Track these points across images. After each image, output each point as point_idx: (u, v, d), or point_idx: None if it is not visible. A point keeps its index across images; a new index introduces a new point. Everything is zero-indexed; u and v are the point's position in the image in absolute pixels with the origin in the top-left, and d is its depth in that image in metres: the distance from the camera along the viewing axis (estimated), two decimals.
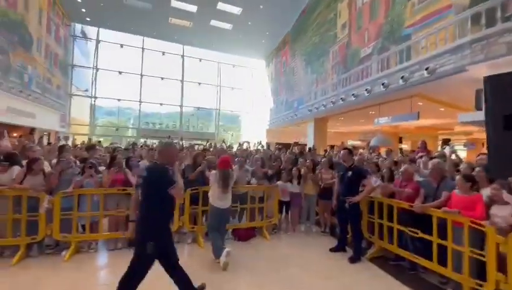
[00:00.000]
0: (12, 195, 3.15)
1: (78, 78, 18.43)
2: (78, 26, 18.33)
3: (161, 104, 21.01)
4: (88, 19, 17.28)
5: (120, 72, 19.46)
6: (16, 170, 3.24)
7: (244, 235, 4.09)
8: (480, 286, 2.47)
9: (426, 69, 6.62)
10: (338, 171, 3.75)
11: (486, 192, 2.77)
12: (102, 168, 3.86)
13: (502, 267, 2.35)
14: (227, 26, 17.30)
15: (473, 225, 2.55)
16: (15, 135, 11.98)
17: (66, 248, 3.38)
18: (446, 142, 5.78)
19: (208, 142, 10.27)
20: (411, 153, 6.39)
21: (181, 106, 21.47)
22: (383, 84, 8.34)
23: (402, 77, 7.49)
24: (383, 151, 8.77)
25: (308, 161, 4.90)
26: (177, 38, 19.60)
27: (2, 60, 10.42)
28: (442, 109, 9.81)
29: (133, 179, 3.65)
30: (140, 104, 20.11)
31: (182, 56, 21.36)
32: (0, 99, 10.19)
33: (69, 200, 3.32)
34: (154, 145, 9.79)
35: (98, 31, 18.99)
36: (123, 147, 7.85)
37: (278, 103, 19.38)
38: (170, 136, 11.25)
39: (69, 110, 17.66)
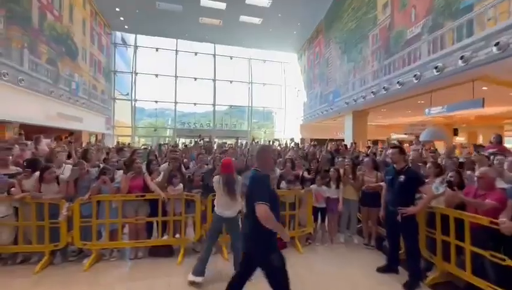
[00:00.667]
0: (35, 202, 3.11)
1: (119, 83, 19.66)
2: (118, 34, 19.48)
3: (195, 104, 21.45)
4: (126, 27, 18.22)
5: (156, 75, 20.27)
6: (36, 176, 3.20)
7: None
8: None
9: (496, 44, 5.38)
10: (386, 175, 3.03)
11: None
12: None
13: None
14: (256, 20, 16.84)
15: None
16: (66, 137, 13.19)
17: (89, 255, 3.27)
18: None
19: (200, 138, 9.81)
20: (477, 147, 5.24)
21: (214, 105, 21.67)
22: (436, 67, 7.13)
23: (461, 58, 6.27)
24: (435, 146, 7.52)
25: (347, 160, 4.20)
26: (208, 37, 19.72)
27: (52, 70, 11.35)
28: None
29: (153, 185, 3.41)
30: (175, 105, 20.74)
31: (214, 55, 21.50)
32: (51, 106, 11.12)
33: (88, 207, 3.19)
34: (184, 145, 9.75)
35: (136, 37, 19.97)
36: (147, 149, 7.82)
37: (312, 97, 18.40)
38: (201, 135, 11.22)
39: (113, 113, 18.92)
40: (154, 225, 3.63)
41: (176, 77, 20.56)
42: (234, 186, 2.96)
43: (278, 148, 8.21)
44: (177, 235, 3.44)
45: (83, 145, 8.36)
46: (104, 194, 3.28)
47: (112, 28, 18.12)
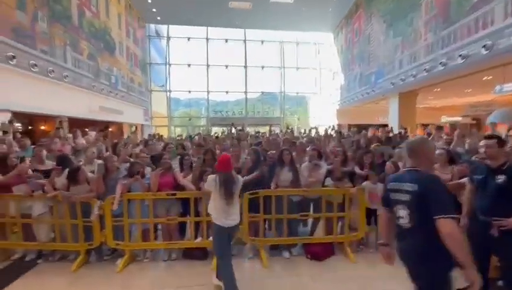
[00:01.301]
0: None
1: (154, 74, 20.19)
2: (152, 27, 19.81)
3: (227, 92, 21.28)
4: (158, 18, 18.37)
5: (189, 65, 20.40)
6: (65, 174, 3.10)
7: (320, 253, 3.14)
8: None
9: None
10: (474, 174, 2.29)
11: None
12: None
13: None
14: (288, 0, 15.73)
15: None
16: (111, 129, 13.94)
17: (123, 255, 3.13)
18: None
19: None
20: None
21: (245, 92, 21.28)
22: None
23: None
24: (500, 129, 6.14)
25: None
26: (238, 23, 19.09)
27: (93, 66, 11.86)
28: None
29: (186, 182, 3.11)
30: (208, 94, 20.79)
31: (244, 41, 20.88)
32: (94, 100, 11.69)
33: (119, 206, 3.01)
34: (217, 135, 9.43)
35: (168, 28, 20.13)
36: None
37: (350, 79, 16.97)
38: (233, 124, 10.92)
39: (150, 104, 19.59)
40: (188, 225, 3.39)
41: (208, 65, 20.47)
42: (232, 187, 2.49)
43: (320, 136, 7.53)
44: (198, 239, 3.14)
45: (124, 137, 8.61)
46: (134, 192, 3.07)
47: (145, 20, 18.43)
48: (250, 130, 15.73)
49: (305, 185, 3.21)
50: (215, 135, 11.03)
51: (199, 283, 2.73)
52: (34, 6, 8.31)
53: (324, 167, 3.36)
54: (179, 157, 3.64)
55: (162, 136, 8.14)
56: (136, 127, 17.54)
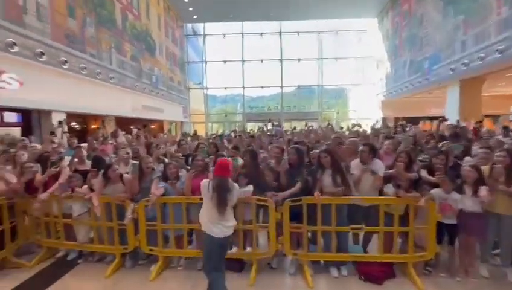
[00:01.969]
0: (103, 202, 2.96)
1: (191, 72, 20.71)
2: (189, 26, 20.27)
3: (262, 87, 20.94)
4: (195, 17, 18.66)
5: (224, 62, 20.48)
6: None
7: (376, 274, 2.62)
8: None
9: None
10: None
11: None
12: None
13: None
14: None
15: None
16: (152, 127, 14.63)
17: (158, 260, 2.99)
18: None
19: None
20: None
21: (281, 86, 20.69)
22: None
23: None
24: None
25: (501, 152, 2.65)
26: (273, 15, 18.50)
27: (135, 66, 12.44)
28: None
29: None
30: (243, 90, 20.69)
31: (280, 33, 20.24)
32: (136, 99, 12.28)
33: (154, 209, 2.85)
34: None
35: (204, 26, 20.39)
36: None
37: (398, 67, 15.35)
38: (271, 119, 10.51)
39: (189, 102, 20.18)
40: None
41: (243, 61, 20.32)
42: (226, 195, 2.20)
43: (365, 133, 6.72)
44: (248, 249, 2.83)
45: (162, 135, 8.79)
46: (167, 196, 2.88)
47: (182, 20, 18.88)
48: (286, 125, 15.20)
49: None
50: (250, 131, 10.76)
51: None
52: (82, 12, 8.86)
53: (379, 167, 2.76)
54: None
55: (196, 134, 8.05)
56: (176, 124, 18.24)
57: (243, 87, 20.66)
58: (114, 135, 5.18)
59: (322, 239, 2.76)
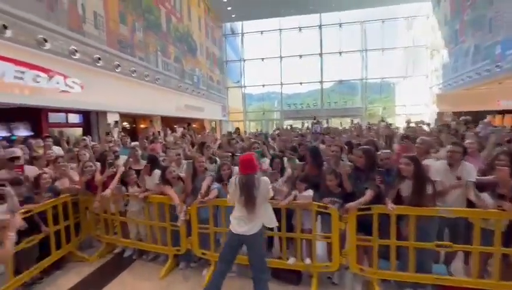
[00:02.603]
0: (157, 202, 2.93)
1: (230, 71, 20.97)
2: (227, 26, 20.51)
3: (301, 83, 20.32)
4: (233, 16, 18.79)
5: (262, 59, 20.33)
6: (157, 175, 3.02)
7: None
8: None
9: None
10: None
11: None
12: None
13: None
14: None
15: None
16: (194, 126, 15.14)
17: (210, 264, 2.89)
18: None
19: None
20: None
21: (321, 82, 19.83)
22: None
23: None
24: None
25: None
26: (312, 8, 17.77)
27: (178, 68, 12.92)
28: None
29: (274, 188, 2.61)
30: (281, 87, 20.31)
31: (319, 26, 19.38)
32: (180, 99, 12.75)
33: (206, 210, 2.74)
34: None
35: (242, 24, 20.44)
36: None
37: (459, 54, 13.56)
38: (315, 117, 9.99)
39: (227, 100, 20.48)
40: (275, 239, 2.92)
41: (281, 57, 19.92)
42: (253, 191, 2.10)
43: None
44: (308, 261, 2.54)
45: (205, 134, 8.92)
46: (220, 198, 2.74)
47: (221, 20, 19.15)
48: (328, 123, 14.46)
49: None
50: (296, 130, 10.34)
51: None
52: (132, 18, 9.39)
53: (472, 174, 2.24)
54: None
55: (238, 132, 7.93)
56: (215, 123, 18.63)
57: (281, 84, 20.28)
58: (164, 133, 5.32)
59: (398, 255, 2.35)
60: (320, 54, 19.53)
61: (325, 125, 12.47)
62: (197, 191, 2.83)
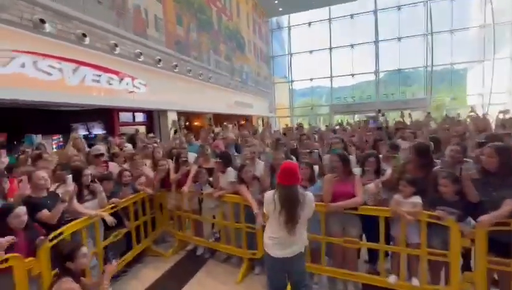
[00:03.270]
0: (232, 201, 2.79)
1: (276, 66, 20.61)
2: (273, 20, 20.14)
3: (353, 75, 18.95)
4: (280, 9, 18.33)
5: (311, 52, 19.50)
6: (231, 173, 2.89)
7: None
8: None
9: None
10: None
11: None
12: None
13: None
14: None
15: None
16: (242, 122, 15.25)
17: None
18: None
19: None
20: None
21: (376, 72, 18.19)
22: None
23: None
24: None
25: None
26: None
27: (228, 65, 13.06)
28: None
29: (359, 190, 2.24)
30: (331, 80, 19.24)
31: (374, 11, 17.72)
32: (230, 96, 12.89)
33: None
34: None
35: (289, 17, 19.83)
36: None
37: None
38: (380, 110, 9.03)
39: (274, 96, 20.21)
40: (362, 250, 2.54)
41: (331, 48, 18.82)
42: (297, 208, 1.75)
43: None
44: (415, 281, 2.10)
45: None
46: None
47: (268, 15, 18.86)
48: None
49: None
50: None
51: None
52: (187, 19, 9.69)
53: None
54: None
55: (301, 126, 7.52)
56: (267, 119, 18.49)
57: (331, 77, 19.20)
58: (224, 129, 5.29)
59: None
60: (376, 42, 17.89)
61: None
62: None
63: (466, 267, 2.19)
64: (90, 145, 3.77)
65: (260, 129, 8.86)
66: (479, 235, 1.86)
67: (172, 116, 8.49)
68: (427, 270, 2.08)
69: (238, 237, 2.88)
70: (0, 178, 2.38)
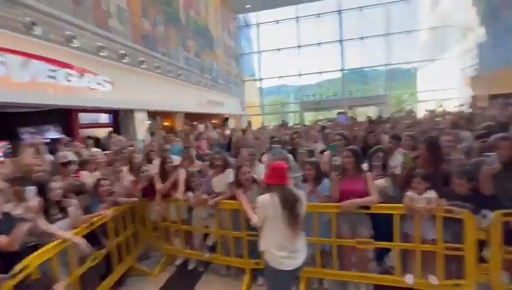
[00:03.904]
0: (229, 208, 2.53)
1: (245, 64, 20.40)
2: (241, 17, 19.84)
3: (320, 72, 19.50)
4: (248, 6, 18.11)
5: (279, 50, 19.62)
6: (229, 174, 2.61)
7: None
8: None
9: None
10: None
11: None
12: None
13: None
14: None
15: None
16: (214, 121, 14.76)
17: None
18: None
19: None
20: None
21: (342, 70, 18.96)
22: None
23: None
24: None
25: None
26: None
27: (198, 62, 12.51)
28: None
29: (372, 188, 2.14)
30: (300, 77, 19.61)
31: (339, 12, 18.42)
32: (202, 94, 12.37)
33: None
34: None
35: (257, 15, 19.71)
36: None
37: (498, 32, 12.47)
38: (352, 107, 9.33)
39: (244, 94, 19.98)
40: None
41: (299, 47, 19.14)
42: (297, 207, 1.71)
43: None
44: (434, 279, 2.05)
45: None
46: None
47: (236, 11, 18.52)
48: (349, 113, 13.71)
49: None
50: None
51: None
52: (153, 12, 8.99)
53: None
54: None
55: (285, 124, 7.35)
56: (235, 118, 18.19)
57: (300, 75, 19.56)
58: (205, 130, 4.93)
59: None
60: (341, 41, 18.62)
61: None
62: None
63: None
64: (50, 152, 3.19)
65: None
66: (494, 226, 1.86)
67: (140, 116, 7.83)
68: (443, 266, 2.05)
69: (237, 246, 2.62)
70: None
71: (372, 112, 11.38)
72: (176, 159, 3.31)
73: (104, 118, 7.48)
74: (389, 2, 17.71)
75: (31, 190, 2.07)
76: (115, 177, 2.84)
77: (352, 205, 2.12)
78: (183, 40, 11.12)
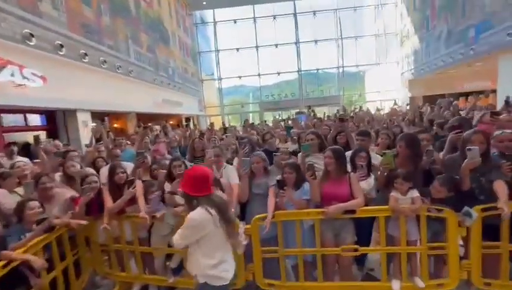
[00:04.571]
0: None
1: (203, 63, 19.70)
2: (197, 15, 19.09)
3: (278, 73, 19.84)
4: (204, 3, 17.50)
5: (237, 49, 19.39)
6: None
7: None
8: None
9: None
10: None
11: None
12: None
13: None
14: None
15: None
16: (171, 122, 13.82)
17: None
18: None
19: None
20: None
21: (299, 71, 19.58)
22: None
23: None
24: None
25: None
26: None
27: (152, 58, 11.54)
28: None
29: (358, 190, 2.02)
30: (259, 77, 19.66)
31: (294, 14, 18.96)
32: (156, 93, 11.44)
33: (273, 227, 2.05)
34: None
35: (214, 12, 19.19)
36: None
37: (430, 40, 14.11)
38: (310, 106, 9.57)
39: (203, 94, 19.26)
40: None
41: (257, 47, 19.18)
42: (231, 216, 1.65)
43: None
44: (419, 282, 1.97)
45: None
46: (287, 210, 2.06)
47: (191, 7, 17.73)
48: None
49: None
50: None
51: None
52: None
53: None
54: None
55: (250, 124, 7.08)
56: (193, 119, 17.38)
57: (259, 75, 19.62)
58: (164, 131, 4.39)
59: None
60: (296, 43, 19.20)
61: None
62: (255, 199, 2.11)
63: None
64: None
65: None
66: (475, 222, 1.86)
67: (83, 117, 6.82)
68: (427, 267, 2.00)
69: None
70: None
71: (327, 112, 12.04)
72: (128, 166, 2.81)
73: (36, 119, 6.31)
74: (339, 9, 18.82)
75: None
76: (47, 194, 2.22)
77: (338, 211, 1.95)
78: (134, 34, 10.13)
